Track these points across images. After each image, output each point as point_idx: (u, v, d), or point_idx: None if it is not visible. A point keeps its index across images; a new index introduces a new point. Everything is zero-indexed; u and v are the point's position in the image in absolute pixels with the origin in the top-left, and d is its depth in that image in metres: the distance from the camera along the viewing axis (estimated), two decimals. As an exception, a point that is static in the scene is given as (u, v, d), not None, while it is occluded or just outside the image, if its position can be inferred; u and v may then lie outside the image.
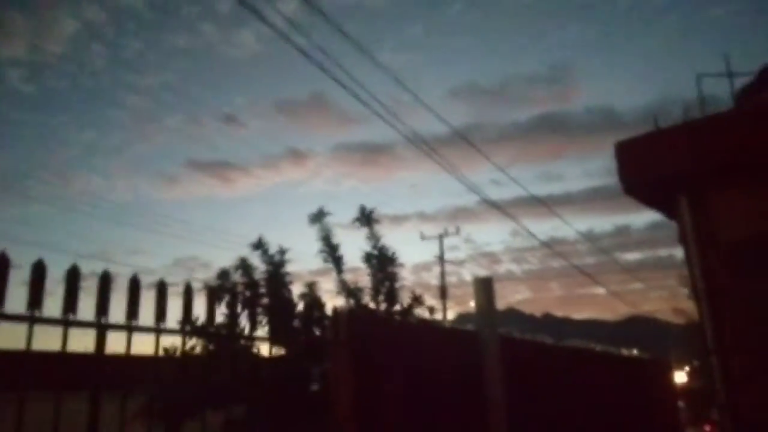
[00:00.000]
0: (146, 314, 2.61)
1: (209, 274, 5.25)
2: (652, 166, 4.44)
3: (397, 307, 5.09)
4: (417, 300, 5.12)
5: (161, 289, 2.61)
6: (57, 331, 2.25)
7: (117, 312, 2.48)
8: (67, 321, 2.25)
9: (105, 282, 2.40)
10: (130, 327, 2.46)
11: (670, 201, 4.48)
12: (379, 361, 3.90)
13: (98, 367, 2.37)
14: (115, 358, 2.52)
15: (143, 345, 2.68)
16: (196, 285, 3.10)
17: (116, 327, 2.40)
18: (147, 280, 2.69)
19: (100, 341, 2.34)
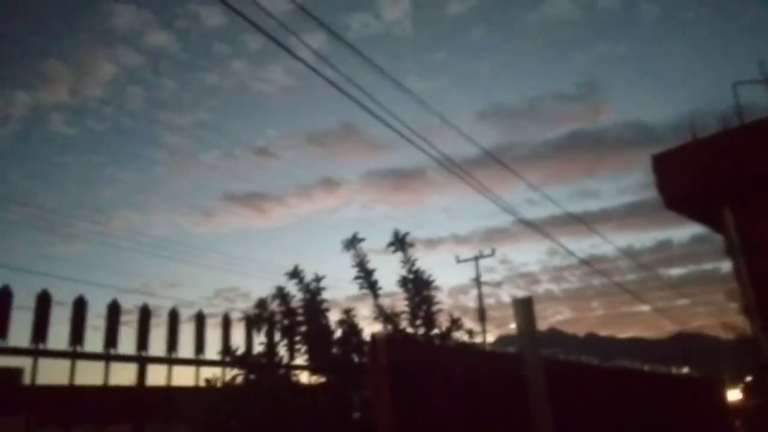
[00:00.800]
0: (186, 346, 2.63)
1: (248, 304, 5.29)
2: (692, 178, 4.31)
3: (436, 331, 5.02)
4: (455, 323, 5.04)
5: (200, 321, 2.62)
6: (100, 366, 2.28)
7: (158, 345, 2.50)
8: (108, 355, 2.27)
9: (145, 315, 2.43)
10: (170, 360, 2.47)
11: (714, 213, 4.34)
12: (419, 388, 3.84)
13: (140, 399, 2.38)
14: (157, 390, 2.54)
15: (185, 377, 2.69)
16: (236, 315, 3.12)
17: (156, 360, 2.42)
18: (187, 313, 2.72)
19: (141, 374, 2.36)
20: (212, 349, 2.81)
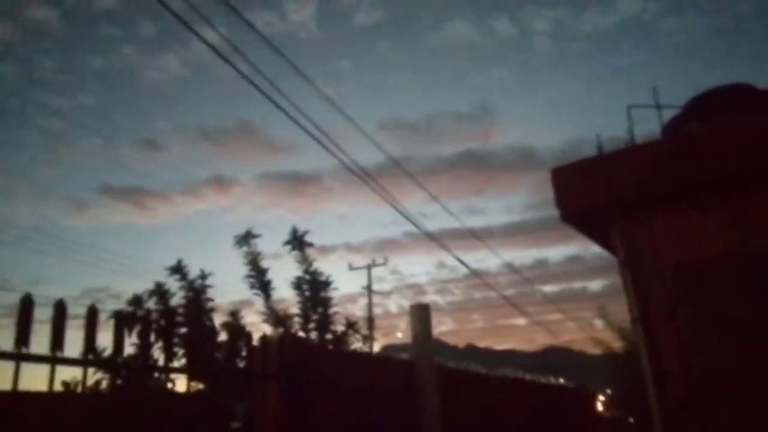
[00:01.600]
0: (43, 343, 2.22)
1: (120, 306, 4.76)
2: (587, 193, 4.43)
3: (330, 336, 4.80)
4: (352, 327, 4.85)
5: (59, 312, 2.22)
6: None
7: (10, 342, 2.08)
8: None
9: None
10: (19, 355, 2.05)
11: (607, 228, 4.48)
12: (311, 394, 3.58)
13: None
14: (1, 394, 2.11)
15: (39, 380, 2.27)
16: (106, 315, 2.71)
17: (2, 355, 2.00)
18: (48, 311, 2.31)
19: (-21, 374, 1.93)
20: (75, 351, 2.41)
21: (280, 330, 4.71)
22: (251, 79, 6.45)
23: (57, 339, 2.21)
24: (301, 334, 4.85)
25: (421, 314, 4.84)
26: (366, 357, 4.66)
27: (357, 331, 4.83)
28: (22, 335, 2.04)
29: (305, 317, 4.95)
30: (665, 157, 4.04)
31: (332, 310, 4.84)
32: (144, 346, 3.61)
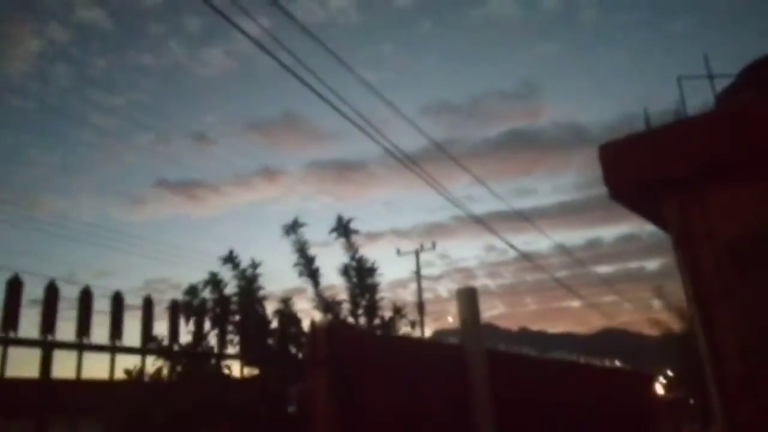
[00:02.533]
0: (104, 334, 2.34)
1: (180, 296, 4.94)
2: (637, 169, 4.29)
3: (378, 321, 4.84)
4: (399, 312, 4.87)
5: (117, 303, 2.33)
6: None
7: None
8: (7, 339, 1.95)
9: (51, 295, 2.12)
10: (81, 345, 2.17)
11: (659, 205, 4.34)
12: (359, 379, 3.65)
13: (44, 391, 2.08)
14: (65, 382, 2.23)
15: (101, 368, 2.40)
16: (164, 305, 2.83)
17: (64, 345, 2.11)
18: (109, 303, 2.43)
19: (46, 361, 2.05)
20: (135, 339, 2.53)
21: (329, 316, 4.78)
22: (293, 70, 6.53)
23: (116, 329, 2.32)
24: (350, 319, 4.91)
25: (469, 298, 4.83)
26: (414, 341, 4.69)
27: (404, 317, 4.86)
28: (83, 326, 2.15)
29: (354, 303, 5.00)
30: (719, 128, 3.88)
31: (379, 295, 4.88)
32: (200, 334, 3.74)
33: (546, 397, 5.82)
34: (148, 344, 2.55)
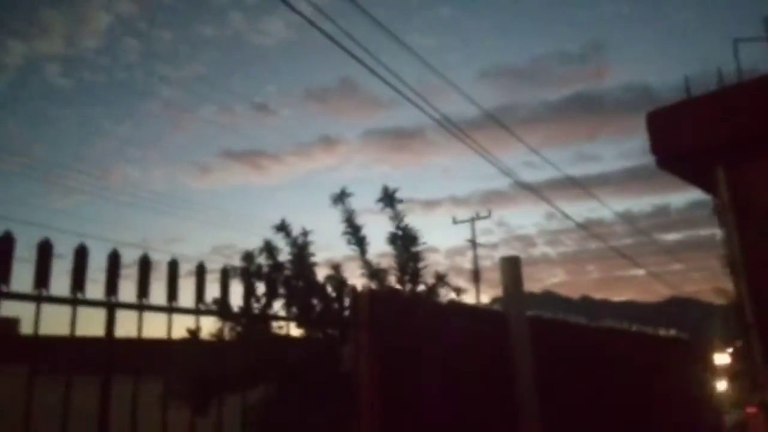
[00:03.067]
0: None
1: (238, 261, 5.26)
2: (685, 136, 4.22)
3: (422, 288, 5.01)
4: (441, 279, 5.02)
5: (172, 268, 2.58)
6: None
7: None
8: (76, 300, 2.23)
9: (114, 260, 2.38)
10: (141, 306, 2.44)
11: (706, 173, 4.26)
12: (401, 343, 3.83)
13: (109, 349, 2.35)
14: (128, 341, 2.50)
15: (161, 329, 2.65)
16: (214, 267, 3.07)
17: (126, 306, 2.38)
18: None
19: (110, 320, 2.32)
20: (190, 302, 2.76)
21: (375, 283, 4.98)
22: (341, 43, 6.63)
23: (172, 291, 2.57)
24: (396, 286, 5.09)
25: (512, 266, 4.91)
26: (455, 306, 4.84)
27: (446, 284, 5.00)
28: (143, 288, 2.40)
29: (401, 270, 5.18)
30: (765, 96, 3.76)
31: (423, 263, 5.03)
32: (251, 296, 4.00)
33: (588, 363, 5.87)
34: (202, 306, 2.80)
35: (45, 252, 2.15)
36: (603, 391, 5.96)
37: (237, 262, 5.17)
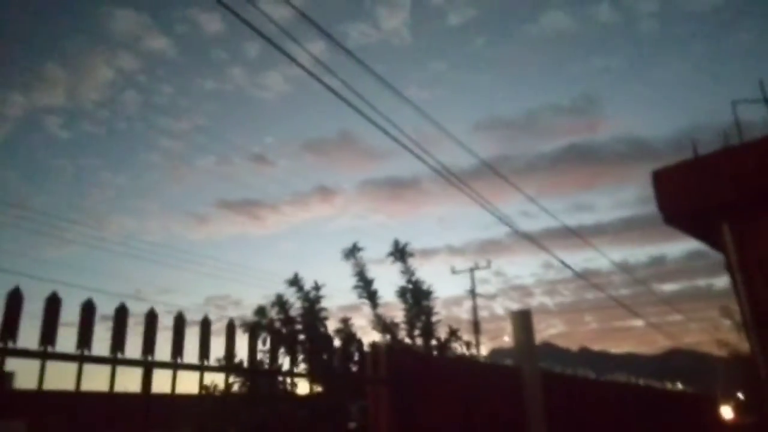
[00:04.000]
0: (186, 353, 2.63)
1: (240, 312, 5.31)
2: (691, 195, 4.35)
3: (434, 342, 5.04)
4: (454, 334, 5.06)
5: (205, 326, 2.63)
6: (105, 372, 2.28)
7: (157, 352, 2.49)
8: (115, 359, 2.27)
9: (151, 320, 2.43)
10: (175, 365, 2.48)
11: (713, 229, 4.37)
12: (418, 398, 3.84)
13: (145, 405, 2.38)
14: (159, 397, 2.53)
15: (183, 384, 2.68)
16: (223, 322, 3.11)
17: (162, 365, 2.42)
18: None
19: (147, 378, 2.36)
20: (212, 358, 2.80)
21: (387, 336, 5.01)
22: (340, 94, 6.83)
23: (204, 349, 2.62)
24: (407, 340, 5.12)
25: (523, 320, 4.95)
26: (470, 363, 4.85)
27: (459, 338, 5.04)
28: (148, 344, 2.44)
29: (410, 324, 5.22)
30: (769, 156, 3.91)
31: (435, 317, 5.08)
32: (273, 352, 4.03)
33: (602, 419, 5.83)
34: (230, 364, 2.83)
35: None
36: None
37: (232, 312, 5.21)
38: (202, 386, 2.59)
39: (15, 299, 2.09)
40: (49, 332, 2.14)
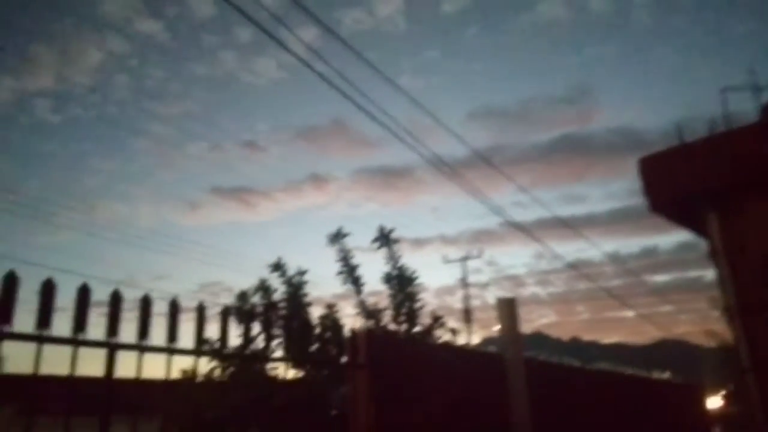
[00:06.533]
0: (160, 337, 2.57)
1: (233, 299, 5.25)
2: (677, 182, 4.30)
3: (418, 328, 5.00)
4: (437, 321, 5.02)
5: (173, 309, 2.56)
6: (67, 354, 2.22)
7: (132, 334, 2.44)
8: (77, 340, 2.20)
9: (116, 301, 2.36)
10: (141, 347, 2.41)
11: (698, 217, 4.33)
12: (398, 384, 3.80)
13: (108, 389, 2.31)
14: (126, 382, 2.46)
15: (157, 369, 2.62)
16: (218, 308, 3.06)
17: (126, 347, 2.36)
18: (162, 305, 2.66)
19: (110, 361, 2.29)
20: (188, 342, 2.74)
21: (371, 323, 4.97)
22: (333, 83, 6.75)
23: (172, 332, 2.55)
24: (392, 326, 5.08)
25: (508, 308, 4.91)
26: (452, 349, 4.81)
27: (443, 325, 5.00)
28: (143, 329, 2.38)
29: (396, 311, 5.17)
30: (758, 141, 3.86)
31: (419, 303, 5.04)
32: (248, 337, 3.97)
33: (586, 407, 5.82)
34: (201, 347, 2.77)
35: (48, 292, 2.14)
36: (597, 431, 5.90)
37: (225, 299, 5.15)
38: (169, 370, 2.52)
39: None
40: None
